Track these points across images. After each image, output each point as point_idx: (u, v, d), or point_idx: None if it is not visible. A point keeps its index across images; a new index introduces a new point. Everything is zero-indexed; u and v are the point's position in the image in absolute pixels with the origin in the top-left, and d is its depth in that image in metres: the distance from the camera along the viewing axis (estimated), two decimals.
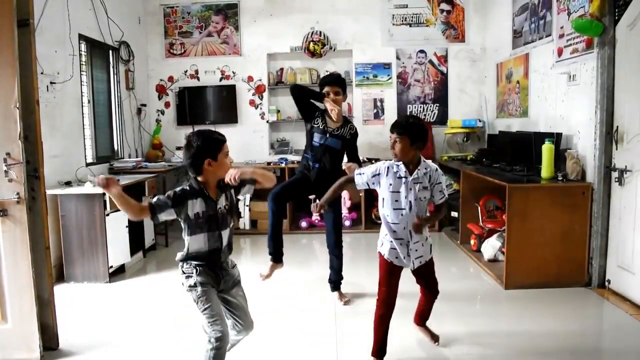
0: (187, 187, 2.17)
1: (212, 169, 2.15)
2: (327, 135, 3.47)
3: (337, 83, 3.50)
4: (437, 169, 2.58)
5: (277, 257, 3.45)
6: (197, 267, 2.18)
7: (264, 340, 2.87)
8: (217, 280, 2.23)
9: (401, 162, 2.51)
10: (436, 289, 2.77)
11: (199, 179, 2.18)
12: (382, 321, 2.59)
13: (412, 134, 2.45)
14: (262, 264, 3.54)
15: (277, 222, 3.45)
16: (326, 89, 3.48)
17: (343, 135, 3.50)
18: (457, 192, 5.12)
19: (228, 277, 2.27)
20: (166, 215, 2.14)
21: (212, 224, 2.18)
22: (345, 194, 5.52)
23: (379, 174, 2.54)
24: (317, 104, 3.53)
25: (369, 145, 6.08)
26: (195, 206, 2.15)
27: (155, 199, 2.13)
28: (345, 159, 3.60)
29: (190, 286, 2.18)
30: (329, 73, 3.71)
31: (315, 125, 3.49)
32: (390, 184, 2.51)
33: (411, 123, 2.48)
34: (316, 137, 3.48)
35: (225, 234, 2.22)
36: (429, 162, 2.61)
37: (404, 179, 2.49)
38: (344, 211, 5.54)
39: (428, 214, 2.60)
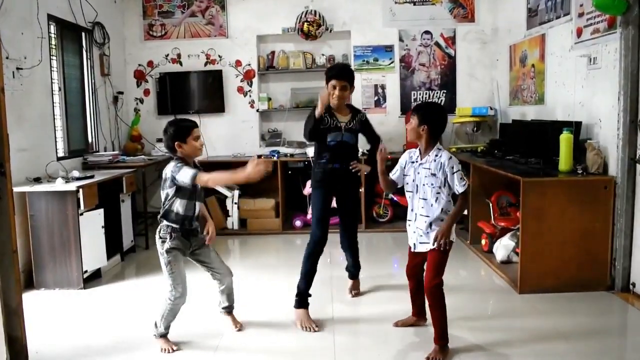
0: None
1: (183, 151, 2.80)
2: (342, 131, 3.49)
3: (344, 76, 3.41)
4: (450, 158, 2.78)
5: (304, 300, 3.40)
6: (172, 233, 2.85)
7: (262, 342, 2.92)
8: (188, 242, 2.91)
9: (418, 148, 2.87)
10: (427, 283, 2.79)
11: (180, 157, 2.81)
12: (410, 289, 3.11)
13: (422, 114, 2.77)
14: (252, 268, 3.53)
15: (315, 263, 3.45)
16: (333, 83, 3.39)
17: (356, 128, 3.54)
18: (467, 187, 5.11)
19: (197, 240, 2.97)
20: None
21: (191, 195, 2.85)
22: None
23: (404, 166, 2.93)
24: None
25: None
26: None
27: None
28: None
29: (165, 250, 2.85)
30: (334, 64, 3.65)
31: (326, 125, 3.46)
32: (405, 168, 2.92)
33: (427, 104, 2.82)
34: (330, 137, 3.47)
35: (198, 204, 2.93)
36: (444, 151, 2.80)
37: (413, 163, 2.86)
38: None
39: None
